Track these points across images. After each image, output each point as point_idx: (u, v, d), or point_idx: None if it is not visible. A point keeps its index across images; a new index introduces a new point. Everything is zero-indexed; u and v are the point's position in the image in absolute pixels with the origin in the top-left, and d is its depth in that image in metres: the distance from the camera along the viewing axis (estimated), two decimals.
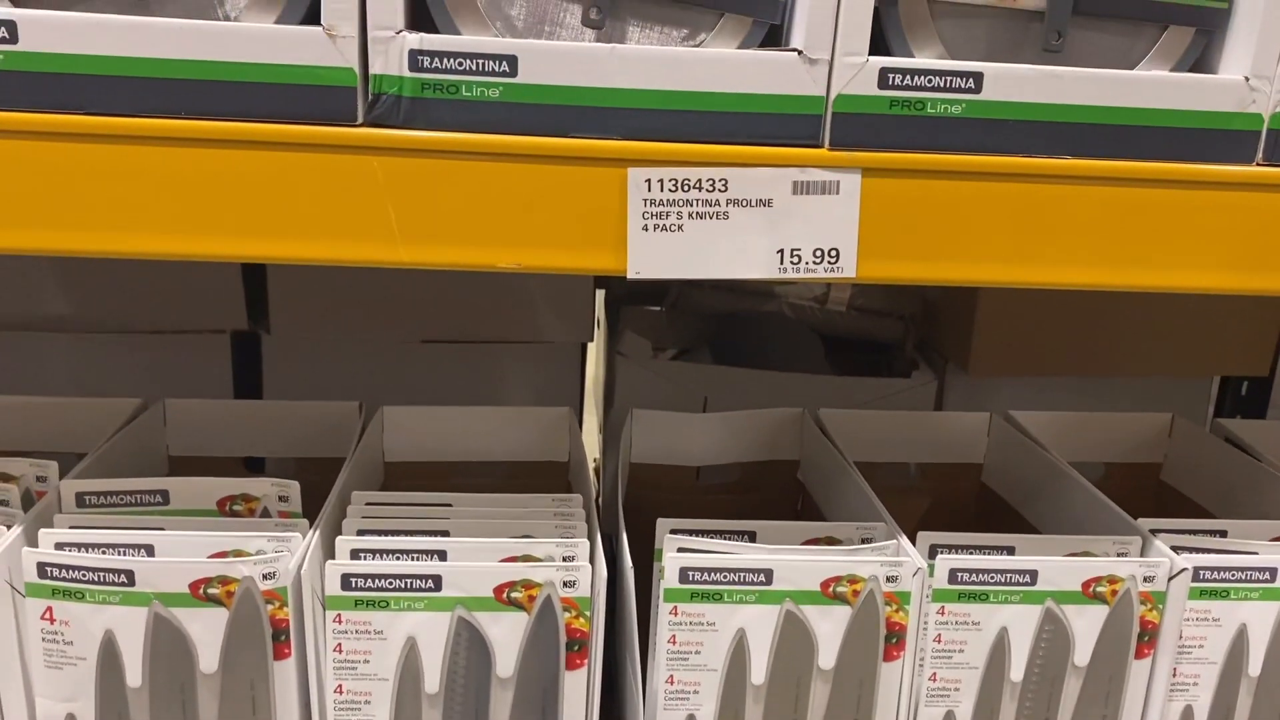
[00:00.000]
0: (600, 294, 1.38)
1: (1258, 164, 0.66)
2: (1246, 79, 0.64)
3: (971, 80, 0.63)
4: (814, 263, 0.65)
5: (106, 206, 0.59)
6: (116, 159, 0.59)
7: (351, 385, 1.24)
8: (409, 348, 1.26)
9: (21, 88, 0.58)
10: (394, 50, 0.60)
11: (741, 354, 1.31)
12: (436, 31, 0.62)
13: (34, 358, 1.22)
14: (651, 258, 0.64)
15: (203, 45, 0.59)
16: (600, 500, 1.19)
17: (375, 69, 0.60)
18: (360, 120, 0.61)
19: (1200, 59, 0.67)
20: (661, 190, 0.63)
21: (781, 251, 0.64)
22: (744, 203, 0.63)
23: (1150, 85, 0.64)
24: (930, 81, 0.62)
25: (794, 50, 0.62)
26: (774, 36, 0.65)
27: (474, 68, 0.61)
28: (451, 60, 0.61)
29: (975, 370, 1.29)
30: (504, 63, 0.61)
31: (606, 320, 1.38)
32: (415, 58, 0.60)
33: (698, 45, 0.64)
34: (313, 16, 0.61)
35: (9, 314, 1.19)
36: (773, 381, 1.27)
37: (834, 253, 0.65)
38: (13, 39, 0.58)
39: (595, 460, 1.41)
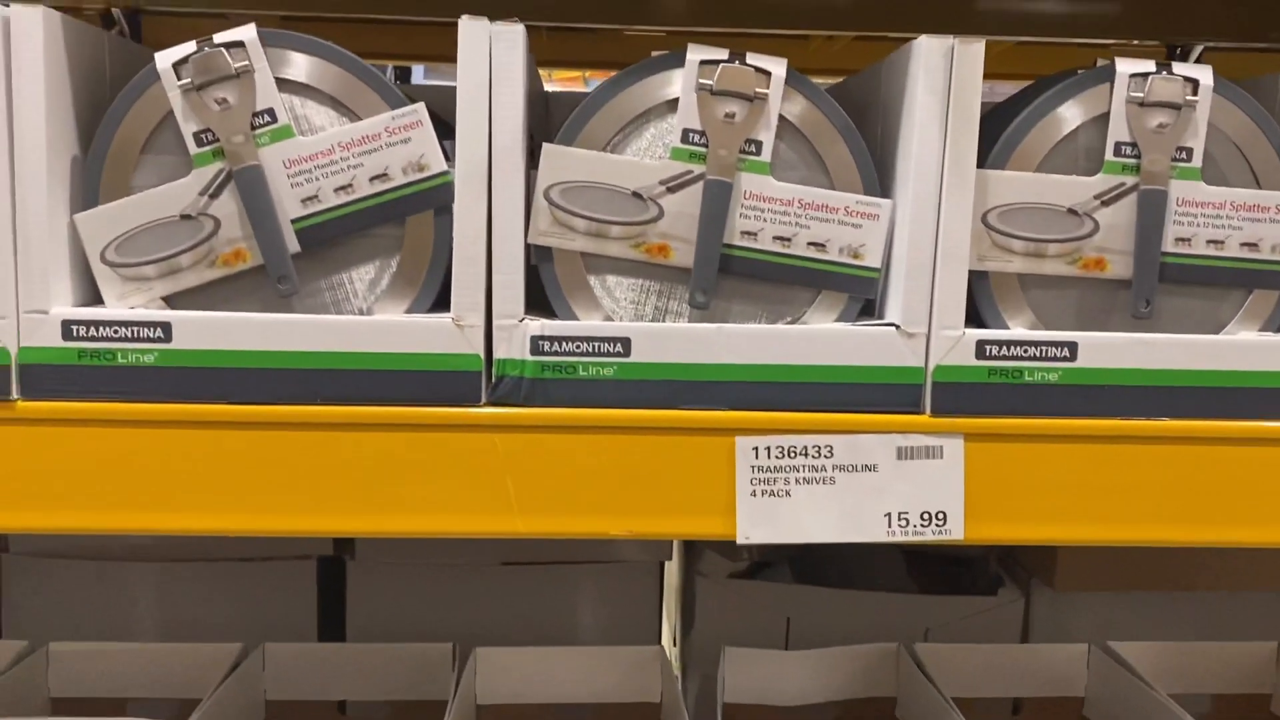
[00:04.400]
0: None
1: None
2: None
3: (1066, 349, 0.65)
4: (922, 525, 0.66)
5: (253, 488, 0.63)
6: (260, 444, 0.63)
7: (433, 607, 1.25)
8: (489, 569, 1.27)
9: (174, 382, 0.63)
10: (517, 337, 0.64)
11: (822, 571, 1.30)
12: (550, 309, 0.67)
13: (121, 586, 1.25)
14: (761, 523, 0.65)
15: (341, 338, 0.63)
16: None
17: (499, 354, 0.64)
18: (483, 401, 0.65)
19: None
20: (769, 457, 0.65)
21: (889, 515, 0.66)
22: (850, 468, 0.65)
23: (1238, 348, 0.66)
24: (1026, 351, 0.65)
25: (892, 325, 0.65)
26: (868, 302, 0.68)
27: (590, 349, 0.65)
28: (570, 344, 0.64)
29: (1062, 585, 1.27)
30: (619, 344, 0.65)
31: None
32: (536, 343, 0.64)
33: (798, 320, 0.67)
34: (440, 301, 0.66)
35: (95, 544, 1.22)
36: (855, 602, 1.25)
37: (941, 515, 0.66)
38: (167, 338, 0.63)
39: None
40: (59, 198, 0.63)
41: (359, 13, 1.18)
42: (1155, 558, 1.27)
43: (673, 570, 1.37)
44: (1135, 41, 1.45)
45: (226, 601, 1.24)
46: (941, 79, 0.63)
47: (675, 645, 1.41)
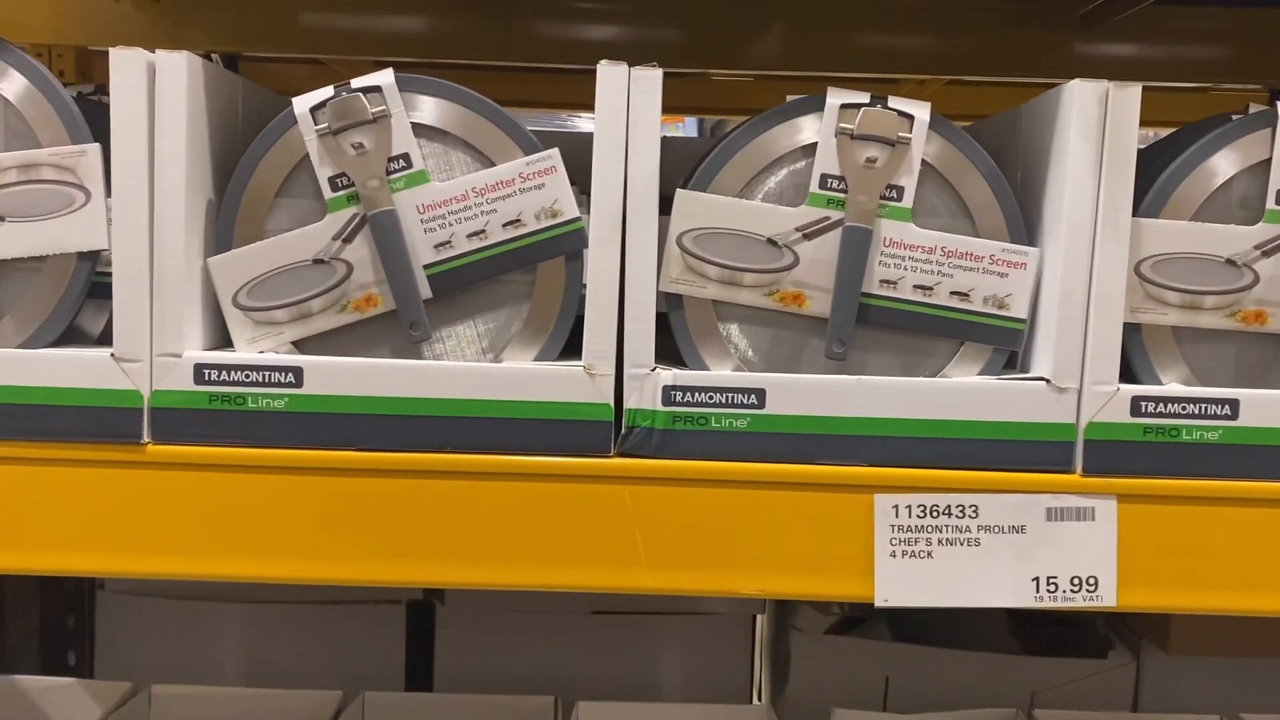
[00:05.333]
0: None
1: None
2: None
3: (1228, 407, 0.62)
4: (1071, 591, 0.62)
5: (381, 537, 0.62)
6: (389, 492, 0.62)
7: (521, 655, 1.23)
8: (578, 618, 1.25)
9: (304, 428, 0.62)
10: (649, 386, 0.63)
11: (922, 628, 1.26)
12: (677, 358, 0.65)
13: (211, 626, 1.25)
14: (900, 585, 0.63)
15: (473, 385, 0.62)
16: None
17: (630, 403, 0.63)
18: (613, 451, 0.63)
19: None
20: (910, 516, 0.62)
21: (1037, 579, 0.62)
22: (996, 529, 0.62)
23: None
24: (1185, 409, 0.62)
25: (1041, 379, 0.63)
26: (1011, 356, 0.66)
27: (724, 400, 0.63)
28: (703, 394, 0.63)
29: (1176, 649, 1.21)
30: (753, 395, 0.63)
31: None
32: (669, 393, 0.63)
33: (939, 374, 0.65)
34: (566, 349, 0.64)
35: (187, 583, 1.22)
36: (958, 662, 1.21)
37: (1092, 581, 0.62)
38: (298, 383, 0.62)
39: None
40: (194, 241, 0.63)
41: (467, 59, 1.20)
42: (1278, 622, 1.20)
43: (763, 623, 1.34)
44: (1237, 86, 1.41)
45: (315, 644, 1.23)
46: (1095, 124, 0.61)
47: (760, 700, 1.37)
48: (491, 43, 1.26)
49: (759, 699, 1.37)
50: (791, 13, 1.28)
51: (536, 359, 0.65)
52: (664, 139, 0.95)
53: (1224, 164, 0.64)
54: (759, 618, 1.29)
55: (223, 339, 0.65)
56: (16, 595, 1.24)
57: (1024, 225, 0.64)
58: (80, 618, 1.29)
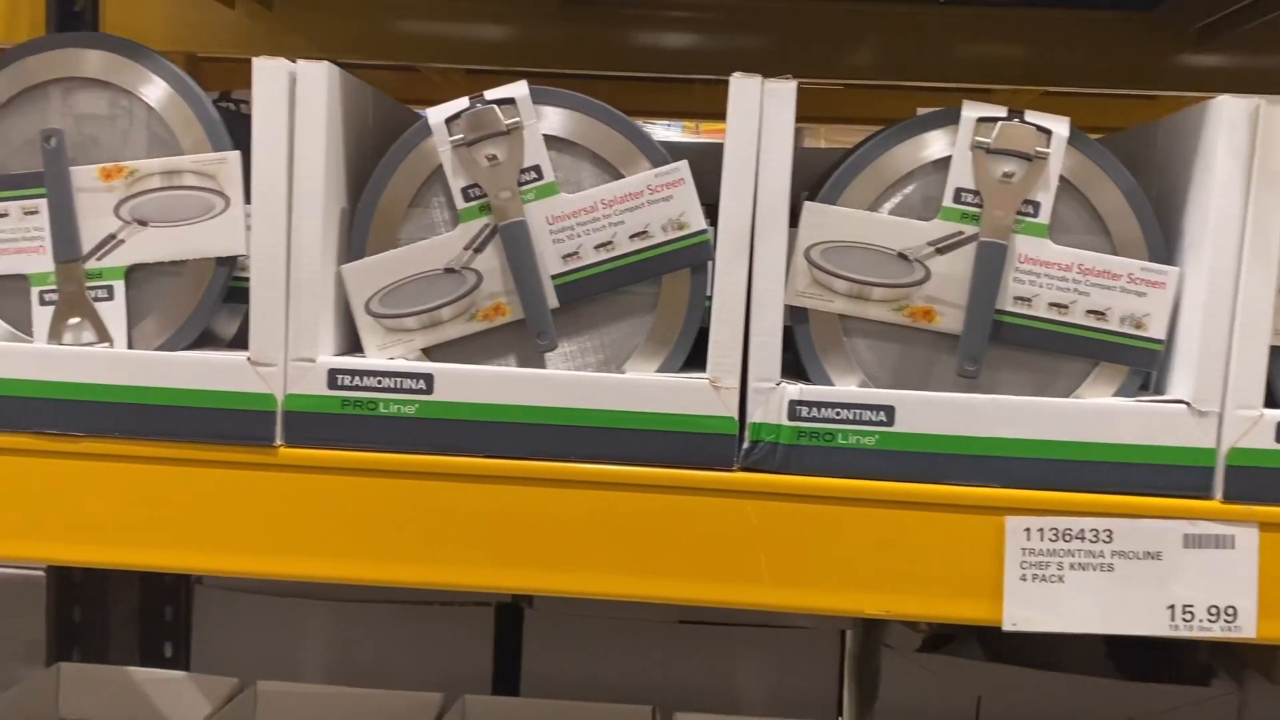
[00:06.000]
0: None
1: None
2: None
3: None
4: (1209, 620, 0.61)
5: (505, 543, 0.62)
6: (514, 499, 0.62)
7: (607, 661, 1.23)
8: (665, 627, 1.25)
9: (433, 434, 0.62)
10: (774, 400, 0.62)
11: (1015, 648, 1.24)
12: (799, 372, 0.64)
13: (303, 622, 1.27)
14: (1029, 609, 0.61)
15: (599, 396, 0.62)
16: None
17: (754, 418, 0.62)
18: (735, 465, 0.63)
19: None
20: (1041, 540, 0.61)
21: (1173, 608, 0.61)
22: (1130, 555, 0.61)
23: None
24: None
25: (1180, 401, 0.61)
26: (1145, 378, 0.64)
27: (851, 417, 0.62)
28: (830, 410, 0.62)
29: None
30: (882, 412, 0.62)
31: None
32: (795, 408, 0.62)
33: (1071, 394, 0.63)
34: (688, 361, 0.64)
35: (279, 580, 1.24)
36: (1052, 684, 1.18)
37: (1231, 611, 0.60)
38: (429, 390, 0.63)
39: None
40: (329, 248, 0.64)
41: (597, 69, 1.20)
42: None
43: (851, 638, 1.32)
44: None
45: (404, 644, 1.25)
46: (1245, 141, 0.59)
47: (842, 715, 1.36)
48: (581, 50, 1.26)
49: (843, 715, 1.35)
50: (885, 22, 1.27)
51: (658, 371, 0.65)
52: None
53: None
54: (847, 633, 1.28)
55: (351, 345, 0.66)
56: (118, 586, 1.27)
57: (1164, 243, 0.63)
58: (177, 610, 1.32)
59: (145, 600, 1.32)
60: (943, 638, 1.30)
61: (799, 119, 0.62)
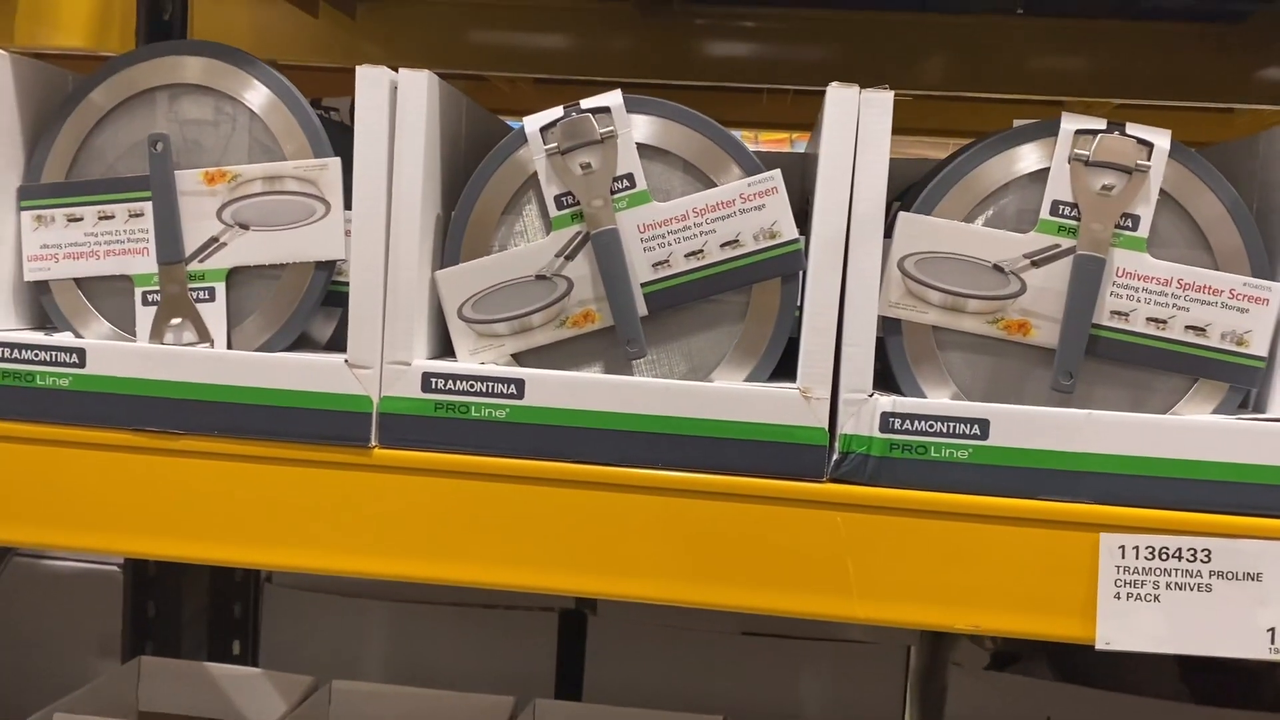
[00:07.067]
0: None
1: None
2: None
3: None
4: None
5: (593, 548, 0.62)
6: (603, 505, 0.62)
7: (670, 670, 1.23)
8: (729, 637, 1.24)
9: (523, 438, 0.63)
10: (866, 412, 0.62)
11: (1085, 668, 1.22)
12: (889, 383, 0.64)
13: (369, 622, 1.28)
14: (1123, 628, 0.60)
15: (689, 404, 0.62)
16: None
17: (845, 429, 0.62)
18: (825, 477, 0.62)
19: None
20: (1137, 558, 0.60)
21: (1272, 630, 0.59)
22: (1229, 576, 0.60)
23: None
24: None
25: None
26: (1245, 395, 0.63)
27: (945, 430, 0.61)
28: (924, 422, 0.61)
29: None
30: (975, 425, 0.61)
31: None
32: (887, 419, 0.62)
33: (1169, 410, 0.62)
34: (777, 371, 0.64)
35: (346, 580, 1.26)
36: (1123, 707, 1.16)
37: None
38: (520, 395, 0.63)
39: None
40: (425, 255, 0.64)
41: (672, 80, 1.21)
42: None
43: (914, 654, 1.31)
44: None
45: (467, 646, 1.26)
46: None
47: None
48: (648, 59, 1.27)
49: None
50: (956, 33, 1.26)
51: (747, 380, 0.65)
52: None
53: None
54: (912, 648, 1.27)
55: (444, 349, 0.67)
56: (190, 582, 1.30)
57: (1267, 258, 0.62)
58: (246, 607, 1.35)
59: (215, 597, 1.34)
60: (1010, 656, 1.28)
61: None
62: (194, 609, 1.34)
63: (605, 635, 1.26)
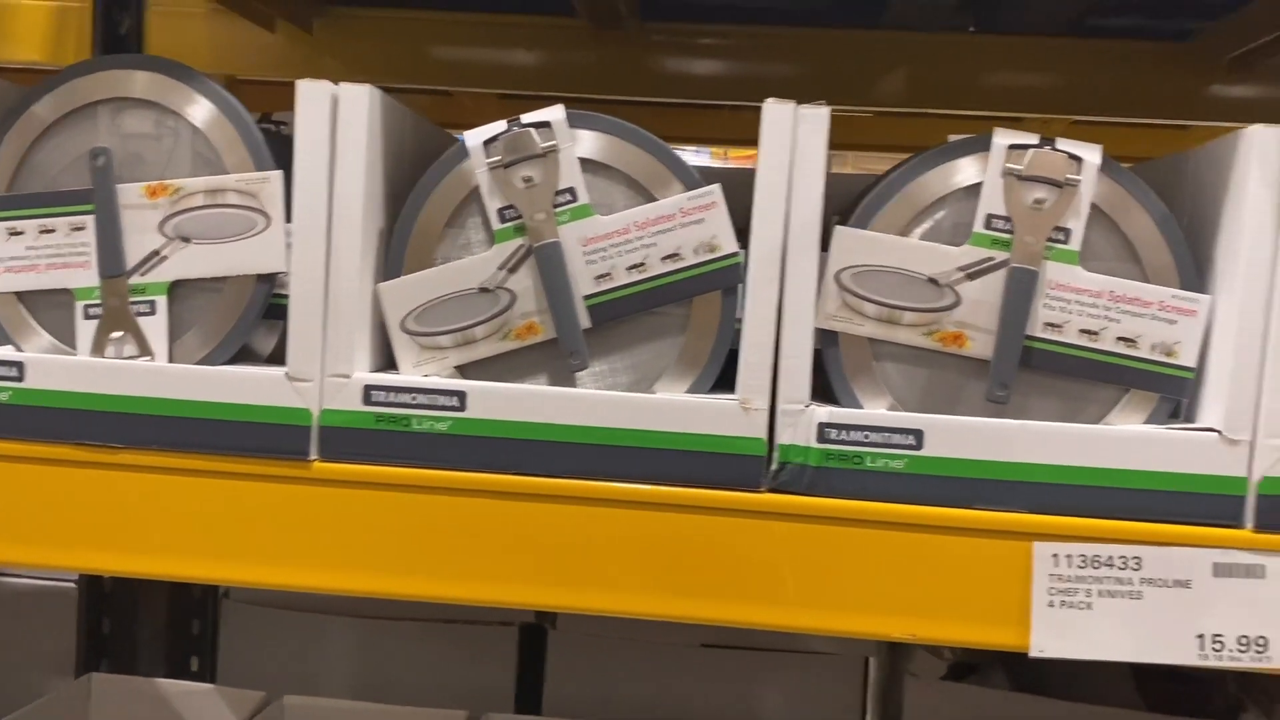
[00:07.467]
0: None
1: None
2: None
3: None
4: (1239, 650, 0.60)
5: (533, 561, 0.63)
6: (544, 517, 0.63)
7: (630, 683, 1.23)
8: (688, 650, 1.25)
9: (465, 450, 0.63)
10: (803, 422, 0.63)
11: (1041, 678, 1.23)
12: (827, 394, 0.65)
13: (327, 638, 1.27)
14: (1056, 636, 0.61)
15: (630, 415, 0.63)
16: None
17: (783, 439, 0.63)
18: (763, 487, 0.63)
19: None
20: (1070, 566, 0.61)
21: (1202, 637, 0.60)
22: (1160, 583, 0.61)
23: None
24: None
25: (1211, 430, 0.61)
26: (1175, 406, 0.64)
27: (880, 440, 0.62)
28: (859, 433, 0.62)
29: None
30: (911, 436, 0.62)
31: None
32: (824, 430, 0.62)
33: (1101, 421, 0.63)
34: (718, 383, 0.65)
35: (308, 595, 1.25)
36: (1077, 716, 1.17)
37: (1261, 641, 0.60)
38: (462, 407, 0.63)
39: None
40: (367, 267, 0.65)
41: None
42: None
43: (873, 665, 1.32)
44: None
45: (426, 661, 1.25)
46: (1276, 171, 0.59)
47: None
48: (612, 76, 1.28)
49: None
50: (915, 51, 1.28)
51: (688, 391, 0.65)
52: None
53: None
54: (871, 660, 1.27)
55: (386, 362, 0.67)
56: (147, 599, 1.29)
57: (1195, 271, 0.63)
58: (204, 624, 1.33)
59: (173, 614, 1.33)
60: (967, 666, 1.29)
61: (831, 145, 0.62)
62: (152, 626, 1.33)
63: (565, 649, 1.26)
